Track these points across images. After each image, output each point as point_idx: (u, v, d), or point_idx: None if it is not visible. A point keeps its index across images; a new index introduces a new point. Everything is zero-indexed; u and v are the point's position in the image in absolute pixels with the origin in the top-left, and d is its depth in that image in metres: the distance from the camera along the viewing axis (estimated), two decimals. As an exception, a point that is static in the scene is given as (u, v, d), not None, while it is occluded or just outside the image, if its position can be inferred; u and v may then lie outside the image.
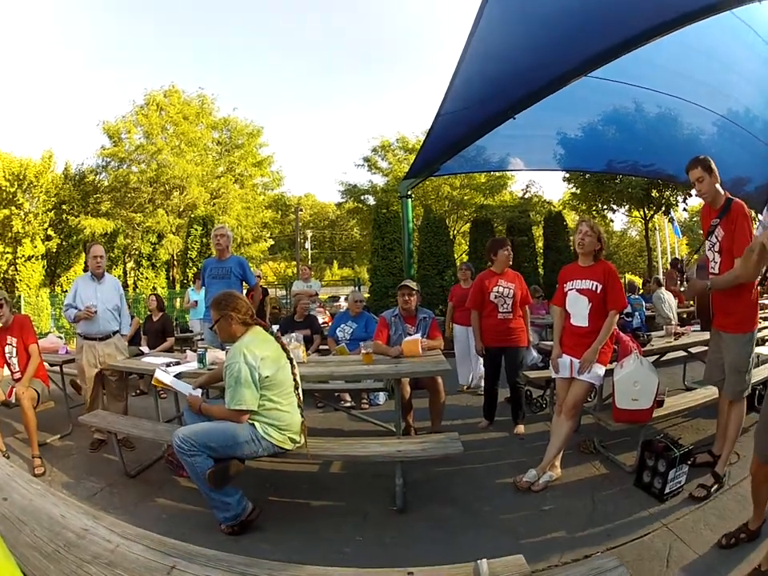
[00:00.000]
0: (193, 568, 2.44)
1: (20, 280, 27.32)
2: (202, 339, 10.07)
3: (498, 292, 7.28)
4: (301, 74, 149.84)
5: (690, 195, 23.65)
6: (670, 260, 34.33)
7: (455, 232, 31.41)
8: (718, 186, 4.91)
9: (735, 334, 4.84)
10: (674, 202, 26.89)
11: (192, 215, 29.00)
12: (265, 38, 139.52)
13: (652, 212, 28.87)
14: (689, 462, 4.86)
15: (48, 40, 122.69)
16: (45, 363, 7.69)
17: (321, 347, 9.77)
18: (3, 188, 29.15)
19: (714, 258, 4.99)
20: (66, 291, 23.97)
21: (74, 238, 29.84)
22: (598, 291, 5.35)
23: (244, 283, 8.32)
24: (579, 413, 5.73)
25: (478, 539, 4.35)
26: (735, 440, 4.99)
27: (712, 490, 4.74)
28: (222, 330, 4.93)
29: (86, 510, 3.07)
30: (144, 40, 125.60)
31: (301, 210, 55.99)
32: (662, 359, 7.84)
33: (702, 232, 5.34)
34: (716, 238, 4.89)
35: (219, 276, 8.05)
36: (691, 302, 12.47)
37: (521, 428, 7.14)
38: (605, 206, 30.02)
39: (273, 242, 43.15)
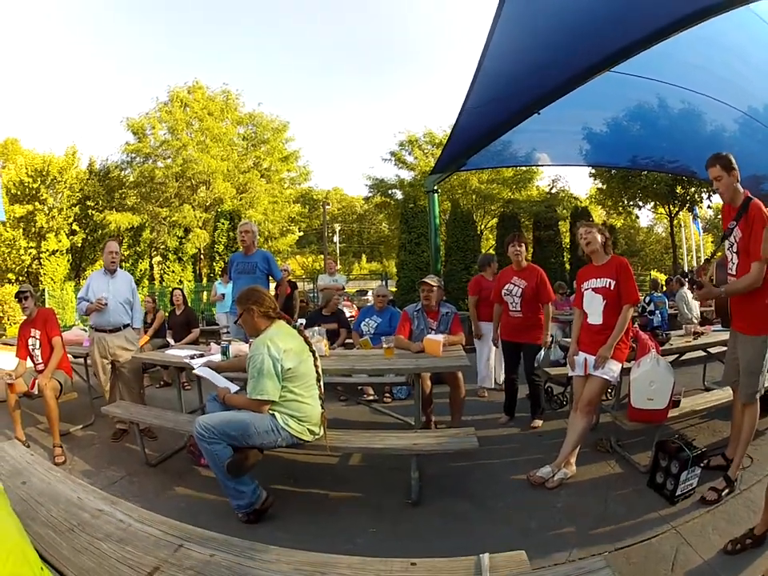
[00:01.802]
0: (199, 548, 2.51)
1: (44, 274, 27.42)
2: (228, 332, 10.15)
3: (507, 290, 7.34)
4: (329, 70, 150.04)
5: (714, 192, 23.56)
6: (695, 258, 34.13)
7: (482, 227, 31.28)
8: (737, 185, 4.88)
9: (750, 335, 4.83)
10: (699, 199, 26.72)
11: (219, 209, 29.02)
12: (295, 37, 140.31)
13: (677, 209, 28.69)
14: (701, 465, 4.84)
15: (55, 36, 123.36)
16: (69, 355, 7.84)
17: (346, 341, 9.81)
18: (26, 184, 29.30)
19: (732, 259, 4.97)
20: (92, 285, 24.27)
21: (99, 232, 29.91)
22: (612, 288, 5.37)
23: (271, 278, 8.35)
24: (595, 409, 5.75)
25: (489, 534, 4.37)
26: (748, 443, 4.94)
27: (723, 493, 4.71)
28: (246, 323, 5.04)
29: (104, 495, 3.17)
30: (159, 40, 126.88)
31: (328, 205, 55.89)
32: (682, 359, 7.78)
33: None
34: (734, 238, 4.89)
35: (245, 271, 8.10)
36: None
37: (538, 423, 7.17)
38: (630, 202, 29.92)
39: (300, 236, 43.02)
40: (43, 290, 25.21)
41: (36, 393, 6.93)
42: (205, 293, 26.47)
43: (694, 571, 3.70)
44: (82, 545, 2.49)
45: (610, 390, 7.04)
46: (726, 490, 4.74)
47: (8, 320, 23.63)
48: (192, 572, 2.31)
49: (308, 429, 4.84)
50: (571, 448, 5.39)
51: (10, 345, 12.49)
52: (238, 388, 5.42)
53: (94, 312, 7.28)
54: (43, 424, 7.65)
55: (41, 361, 7.29)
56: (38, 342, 7.33)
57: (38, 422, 7.98)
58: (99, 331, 7.37)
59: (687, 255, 37.73)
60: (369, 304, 12.66)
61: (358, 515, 4.89)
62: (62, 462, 6.41)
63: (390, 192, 35.07)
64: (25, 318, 7.52)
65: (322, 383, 5.04)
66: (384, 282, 28.42)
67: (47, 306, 22.25)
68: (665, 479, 4.84)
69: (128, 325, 7.57)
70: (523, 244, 7.45)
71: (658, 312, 11.67)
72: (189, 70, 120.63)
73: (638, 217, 38.03)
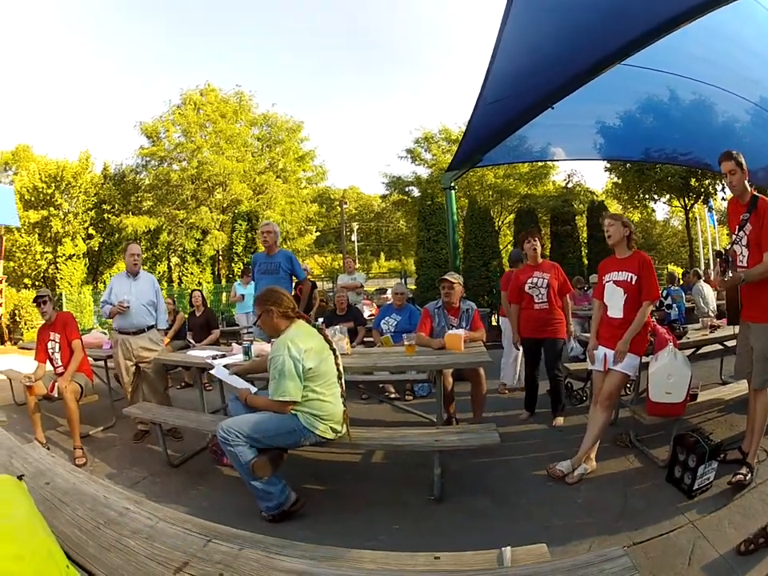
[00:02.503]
0: (227, 543, 2.53)
1: (61, 278, 27.51)
2: (249, 332, 10.20)
3: (531, 282, 7.32)
4: (340, 68, 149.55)
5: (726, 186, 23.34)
6: (712, 252, 34.02)
7: (500, 223, 31.10)
8: (746, 182, 4.94)
9: (764, 323, 4.86)
10: (713, 191, 26.55)
11: (236, 211, 29.08)
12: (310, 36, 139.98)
13: (692, 201, 28.54)
14: (719, 459, 4.85)
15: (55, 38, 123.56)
16: (89, 358, 7.91)
17: (366, 339, 9.89)
18: (40, 189, 29.55)
19: (741, 252, 5.01)
20: (109, 287, 24.31)
21: (116, 236, 30.05)
22: (633, 282, 5.38)
23: (293, 277, 8.37)
24: (614, 404, 5.77)
25: (511, 530, 4.39)
26: (762, 431, 4.97)
27: (747, 477, 4.77)
28: (266, 324, 5.07)
29: (129, 495, 3.21)
30: (164, 41, 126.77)
31: (346, 204, 55.87)
32: (699, 352, 7.77)
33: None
34: (744, 232, 4.92)
35: (268, 271, 8.10)
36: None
37: (560, 420, 7.18)
38: (646, 196, 29.78)
39: (318, 235, 43.03)
40: (60, 293, 25.23)
41: (56, 396, 6.97)
42: (224, 294, 26.45)
43: (710, 565, 3.73)
44: (108, 542, 2.49)
45: (629, 385, 7.03)
46: (750, 475, 4.80)
47: (24, 324, 23.66)
48: (221, 565, 2.32)
49: (330, 427, 4.87)
50: (591, 443, 5.42)
51: (28, 349, 12.60)
52: (257, 389, 5.45)
53: (117, 314, 7.34)
54: (63, 426, 7.71)
55: (60, 364, 7.33)
56: (57, 345, 7.37)
57: (58, 424, 8.04)
58: (123, 333, 7.43)
59: (703, 248, 37.58)
60: (388, 302, 12.73)
61: (381, 512, 4.94)
62: (82, 463, 6.46)
63: (407, 189, 34.79)
64: (44, 321, 7.57)
65: (343, 381, 5.07)
66: (403, 280, 28.28)
67: (65, 309, 22.28)
68: (683, 473, 4.85)
69: (152, 326, 7.62)
70: (538, 239, 7.46)
71: (675, 306, 11.67)
72: (196, 72, 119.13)
73: (653, 210, 38.07)
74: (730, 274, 5.01)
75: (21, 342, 20.62)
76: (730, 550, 3.84)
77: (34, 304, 7.78)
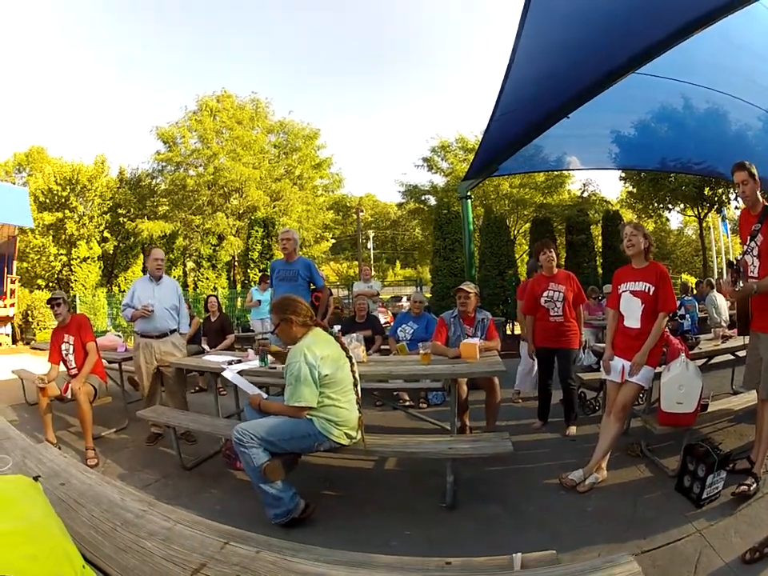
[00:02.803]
0: (245, 545, 2.55)
1: (75, 280, 27.70)
2: (264, 338, 10.26)
3: (547, 296, 7.34)
4: (356, 76, 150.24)
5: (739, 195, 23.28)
6: (725, 262, 33.84)
7: (515, 232, 31.09)
8: (758, 192, 4.96)
9: None
10: (726, 200, 26.51)
11: (252, 217, 29.19)
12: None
13: (705, 210, 28.46)
14: (727, 468, 4.86)
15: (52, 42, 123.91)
16: (103, 360, 7.92)
17: (382, 347, 9.86)
18: (55, 192, 29.74)
19: (752, 263, 5.02)
20: (123, 291, 24.38)
21: (132, 240, 30.17)
22: (651, 293, 5.37)
23: (311, 284, 8.38)
24: (628, 415, 5.80)
25: (521, 537, 4.43)
26: None
27: (752, 488, 4.75)
28: (284, 332, 5.10)
29: (144, 497, 3.22)
30: (183, 45, 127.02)
31: (362, 212, 55.92)
32: (711, 362, 7.78)
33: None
34: (755, 242, 4.94)
35: (287, 278, 8.15)
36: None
37: (572, 429, 7.19)
38: (660, 205, 29.72)
39: (333, 242, 43.17)
40: (74, 296, 25.39)
41: (69, 397, 7.03)
42: (239, 299, 26.49)
43: (715, 574, 3.75)
44: (125, 543, 2.51)
45: (641, 395, 6.95)
46: (755, 485, 4.78)
47: (37, 325, 23.97)
48: (238, 567, 2.34)
49: (345, 433, 4.89)
50: (603, 453, 5.43)
51: (40, 349, 12.70)
52: (267, 396, 5.52)
53: (140, 318, 7.40)
54: (74, 427, 7.83)
55: (74, 366, 7.39)
56: (71, 347, 7.42)
57: (69, 424, 8.14)
58: (145, 337, 7.50)
59: (717, 257, 37.47)
60: (403, 310, 12.68)
61: (393, 518, 4.97)
62: (94, 464, 6.53)
63: (423, 198, 34.85)
64: (58, 323, 7.63)
65: (359, 388, 5.10)
66: (419, 288, 28.25)
67: (78, 311, 22.38)
68: (692, 483, 4.87)
69: (175, 330, 7.68)
70: (553, 249, 7.50)
71: (688, 316, 11.63)
72: (212, 79, 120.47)
73: (668, 219, 38.01)
74: (741, 284, 5.03)
75: (33, 342, 20.82)
76: (736, 559, 3.86)
77: (48, 306, 7.81)
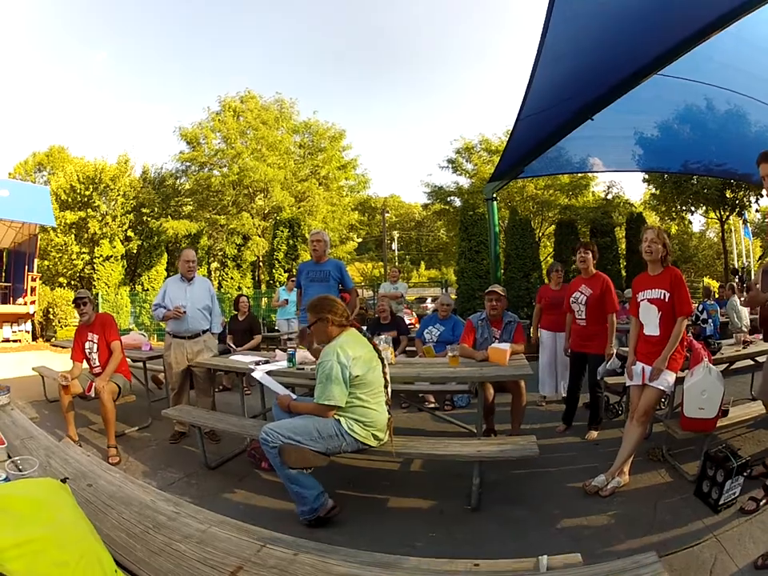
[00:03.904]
0: (282, 548, 2.56)
1: (97, 278, 27.82)
2: (290, 339, 10.23)
3: (574, 298, 7.42)
4: (380, 75, 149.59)
5: (762, 196, 23.04)
6: (746, 263, 33.62)
7: (540, 234, 31.03)
8: None
9: None
10: (747, 204, 26.40)
11: (278, 217, 29.13)
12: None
13: (727, 213, 28.33)
14: (745, 474, 4.85)
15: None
16: (127, 359, 7.97)
17: (407, 348, 9.89)
18: (77, 191, 29.93)
19: None
20: (147, 290, 24.47)
21: (155, 239, 30.24)
22: (667, 299, 5.38)
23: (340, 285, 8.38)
24: (650, 419, 5.85)
25: (543, 540, 4.45)
26: None
27: (761, 503, 4.73)
28: (319, 331, 5.14)
29: (177, 499, 3.28)
30: (205, 45, 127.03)
31: (387, 212, 55.99)
32: (731, 368, 7.74)
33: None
34: None
35: (317, 279, 8.16)
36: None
37: (593, 434, 7.18)
38: (683, 207, 29.54)
39: (359, 242, 43.27)
40: (97, 294, 25.59)
41: (93, 395, 7.08)
42: (264, 299, 26.67)
43: (728, 579, 3.76)
44: (158, 546, 2.51)
45: (663, 400, 6.97)
46: (765, 500, 4.75)
47: (58, 323, 24.16)
48: (276, 570, 2.35)
49: (373, 434, 4.91)
50: (625, 458, 5.45)
51: (61, 347, 12.75)
52: (295, 396, 5.52)
53: (172, 319, 7.46)
54: (95, 424, 7.94)
55: (98, 364, 7.44)
56: (95, 345, 7.47)
57: (90, 422, 8.24)
58: (177, 337, 7.57)
59: (738, 260, 37.26)
60: (428, 311, 12.65)
61: (417, 519, 5.00)
62: (116, 462, 6.57)
63: (448, 199, 34.97)
64: (83, 322, 7.67)
65: (389, 390, 5.15)
66: (444, 290, 28.17)
67: (101, 310, 22.59)
68: (710, 488, 4.88)
69: (207, 330, 7.77)
70: (590, 251, 7.51)
71: (710, 320, 11.62)
72: (235, 79, 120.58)
73: (690, 222, 37.80)
74: (750, 286, 5.02)
75: (54, 339, 20.91)
76: (748, 564, 3.89)
77: (73, 305, 7.84)
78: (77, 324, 8.36)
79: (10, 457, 3.39)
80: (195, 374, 7.64)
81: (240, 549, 2.52)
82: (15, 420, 4.58)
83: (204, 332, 7.74)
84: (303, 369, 6.25)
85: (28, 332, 23.32)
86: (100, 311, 10.86)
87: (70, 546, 1.94)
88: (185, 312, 7.40)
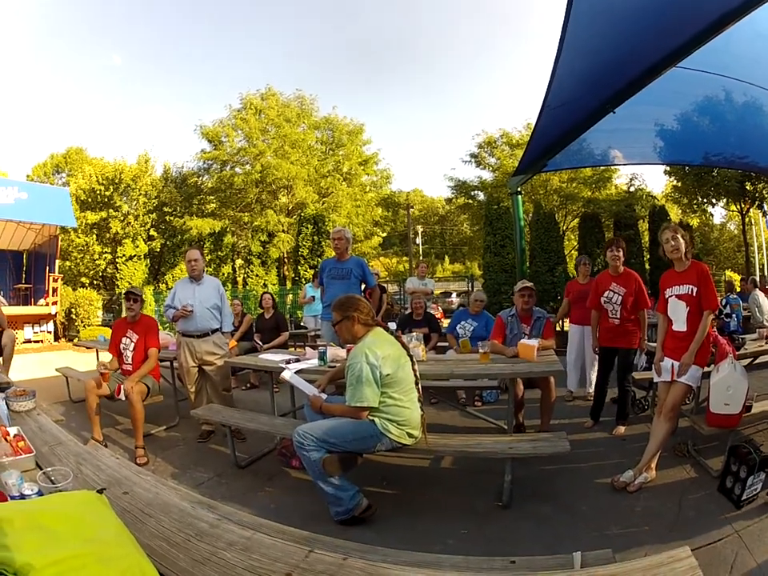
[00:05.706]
0: (331, 552, 2.52)
1: (120, 278, 28.17)
2: (318, 336, 10.26)
3: (607, 297, 7.41)
4: (402, 69, 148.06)
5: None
6: (766, 256, 33.46)
7: (564, 227, 31.03)
8: None
9: None
10: (767, 195, 26.37)
11: (302, 214, 29.20)
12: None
13: (747, 205, 28.30)
14: (766, 470, 4.87)
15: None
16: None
17: (438, 344, 9.92)
18: (98, 191, 30.18)
19: None
20: (171, 288, 24.88)
21: (179, 237, 30.61)
22: (694, 294, 5.40)
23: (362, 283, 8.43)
24: (677, 415, 5.83)
25: (573, 536, 4.48)
26: None
27: None
28: (345, 330, 5.15)
29: (209, 502, 3.29)
30: (223, 43, 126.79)
31: (412, 207, 56.02)
32: (754, 363, 7.80)
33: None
34: None
35: (339, 276, 8.23)
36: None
37: (621, 429, 7.21)
38: (704, 200, 29.51)
39: (384, 236, 43.48)
40: (120, 293, 25.44)
41: (122, 398, 7.04)
42: (289, 296, 26.80)
43: (747, 574, 3.82)
44: (202, 555, 2.40)
45: (689, 395, 6.94)
46: None
47: (81, 323, 24.28)
48: (326, 575, 2.28)
49: (407, 432, 4.92)
50: (653, 453, 5.49)
51: (85, 347, 12.82)
52: (327, 395, 5.55)
53: (181, 318, 7.54)
54: (121, 425, 8.03)
55: (129, 362, 7.48)
56: (132, 344, 7.51)
57: (117, 422, 8.32)
58: (186, 336, 7.65)
59: (758, 253, 37.11)
60: (453, 306, 12.61)
61: (449, 517, 5.03)
62: (144, 462, 6.61)
63: (472, 193, 35.00)
64: (126, 317, 7.79)
65: (420, 386, 5.15)
66: (470, 285, 28.05)
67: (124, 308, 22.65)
68: (733, 484, 4.92)
69: (216, 330, 7.78)
70: (621, 249, 7.50)
71: (734, 315, 11.62)
72: (255, 75, 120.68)
73: (711, 215, 37.72)
74: None
75: (76, 339, 21.01)
76: (767, 560, 3.92)
77: (124, 298, 7.93)
78: (100, 323, 8.39)
79: (39, 466, 3.33)
80: (208, 374, 7.73)
81: (287, 555, 2.44)
82: (42, 426, 4.45)
83: (213, 331, 7.77)
84: (335, 367, 6.20)
85: (50, 333, 23.46)
86: (149, 315, 10.79)
87: (112, 561, 1.92)
88: (191, 311, 7.48)
